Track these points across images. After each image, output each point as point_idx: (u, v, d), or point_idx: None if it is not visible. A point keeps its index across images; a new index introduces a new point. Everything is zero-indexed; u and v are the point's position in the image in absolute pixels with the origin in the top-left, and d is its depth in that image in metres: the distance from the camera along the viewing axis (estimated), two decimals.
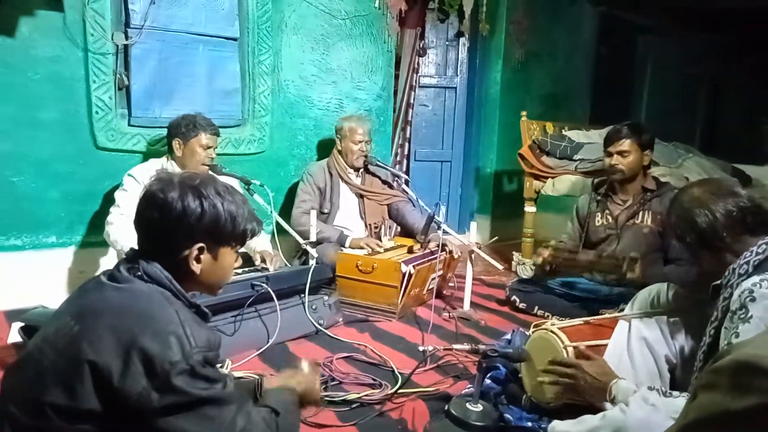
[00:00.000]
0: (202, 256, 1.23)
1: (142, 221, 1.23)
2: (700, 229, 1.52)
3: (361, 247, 3.14)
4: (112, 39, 2.93)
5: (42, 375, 1.09)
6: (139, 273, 1.18)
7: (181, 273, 1.22)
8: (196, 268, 1.23)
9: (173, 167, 2.79)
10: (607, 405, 1.61)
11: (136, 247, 1.25)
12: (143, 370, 1.04)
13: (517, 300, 3.03)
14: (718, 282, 1.52)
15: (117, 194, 2.72)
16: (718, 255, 1.52)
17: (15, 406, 1.09)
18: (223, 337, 2.18)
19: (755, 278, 1.38)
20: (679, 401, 1.38)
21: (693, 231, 1.54)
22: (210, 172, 2.78)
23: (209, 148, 2.79)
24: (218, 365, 1.19)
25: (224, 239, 1.26)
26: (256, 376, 1.61)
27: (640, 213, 2.80)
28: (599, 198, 2.96)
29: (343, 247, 3.20)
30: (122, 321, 1.09)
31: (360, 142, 3.41)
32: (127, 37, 2.97)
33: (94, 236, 2.94)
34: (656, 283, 1.98)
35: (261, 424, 1.18)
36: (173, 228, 1.19)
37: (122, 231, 2.57)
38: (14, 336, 2.19)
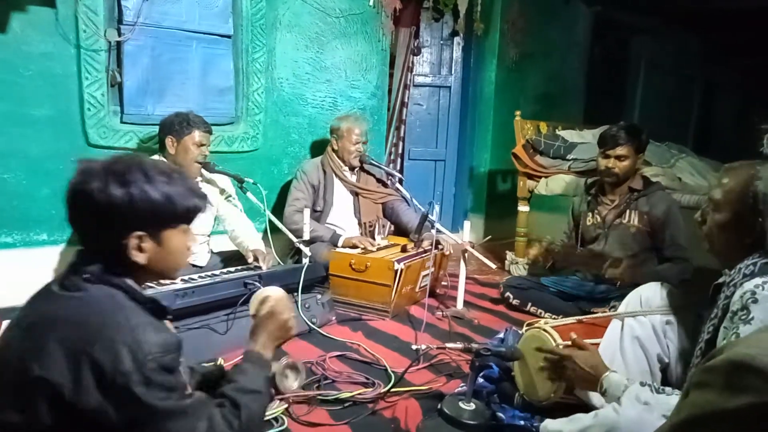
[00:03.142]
0: (144, 245, 1.15)
1: (70, 218, 1.15)
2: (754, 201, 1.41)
3: (355, 246, 3.14)
4: (105, 36, 2.91)
5: None
6: (86, 276, 1.11)
7: (127, 266, 1.15)
8: (140, 258, 1.15)
9: None
10: (596, 398, 1.61)
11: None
12: (95, 383, 1.00)
13: (511, 296, 3.04)
14: (720, 281, 1.51)
15: None
16: (741, 239, 1.46)
17: None
18: (215, 336, 2.21)
19: (758, 280, 1.36)
20: (672, 399, 1.38)
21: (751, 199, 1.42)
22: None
23: (202, 145, 2.78)
24: (180, 366, 1.13)
25: (164, 223, 1.17)
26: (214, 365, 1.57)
27: (627, 212, 2.82)
28: (590, 198, 2.99)
29: (336, 246, 3.20)
30: (70, 333, 1.04)
31: (357, 142, 3.40)
32: (119, 34, 2.95)
33: None
34: (648, 281, 1.98)
35: (222, 425, 1.13)
36: (103, 221, 1.12)
37: None
38: None
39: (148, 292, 2.10)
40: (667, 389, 1.44)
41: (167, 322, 1.25)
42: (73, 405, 1.00)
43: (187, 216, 1.21)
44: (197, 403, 1.12)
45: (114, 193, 1.10)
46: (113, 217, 1.11)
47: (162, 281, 2.21)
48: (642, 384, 1.48)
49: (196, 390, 1.45)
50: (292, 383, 1.54)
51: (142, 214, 1.13)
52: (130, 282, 1.15)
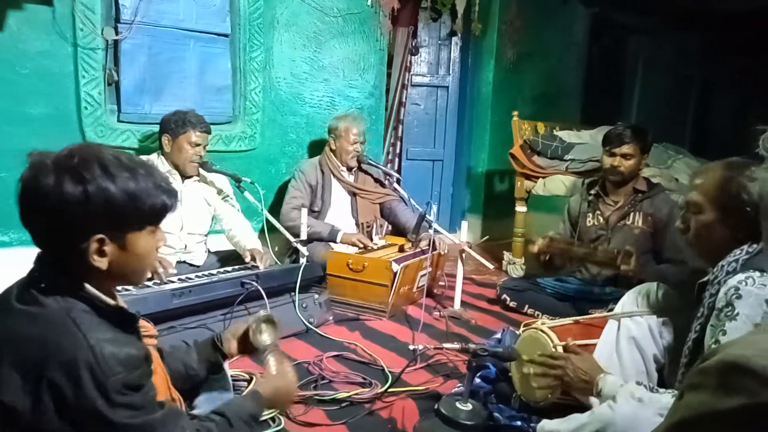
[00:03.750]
0: (105, 248, 1.03)
1: (22, 219, 1.04)
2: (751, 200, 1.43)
3: (354, 244, 3.15)
4: (102, 34, 2.90)
5: None
6: (42, 286, 1.02)
7: (87, 272, 1.04)
8: (100, 263, 1.03)
9: (163, 163, 2.77)
10: (593, 400, 1.61)
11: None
12: (54, 407, 0.95)
13: (508, 298, 3.04)
14: (704, 280, 1.53)
15: None
16: (734, 234, 1.48)
17: None
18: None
19: (741, 276, 1.39)
20: (665, 398, 1.39)
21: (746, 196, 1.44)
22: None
23: (198, 145, 2.76)
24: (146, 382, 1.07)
25: (127, 224, 1.05)
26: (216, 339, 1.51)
27: (631, 214, 2.82)
28: (590, 198, 2.98)
29: (334, 242, 3.20)
30: (26, 354, 0.97)
31: (355, 142, 3.40)
32: (117, 32, 2.95)
33: None
34: (651, 280, 1.99)
35: None
36: (57, 223, 1.00)
37: None
38: None
39: (144, 291, 2.11)
40: (661, 389, 1.45)
41: (144, 322, 1.20)
42: (33, 428, 0.96)
43: (154, 216, 1.08)
44: (168, 417, 1.07)
45: (69, 191, 0.98)
46: (68, 218, 0.99)
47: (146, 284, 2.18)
48: (638, 383, 1.48)
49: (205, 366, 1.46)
50: (266, 338, 1.48)
51: (102, 215, 1.00)
52: (91, 290, 1.04)
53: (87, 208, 0.99)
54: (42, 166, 1.00)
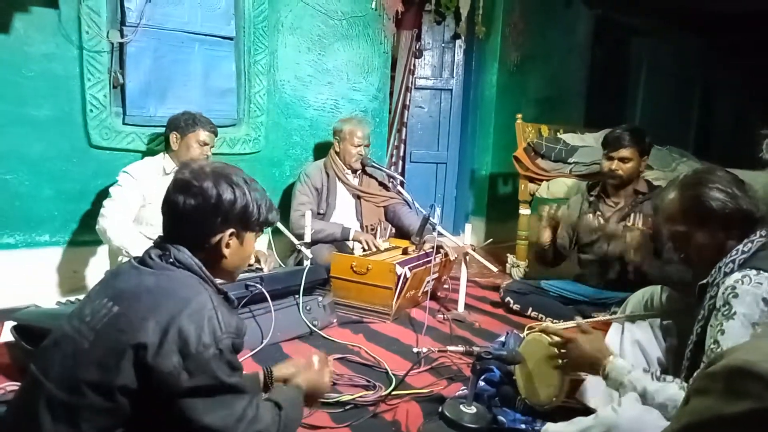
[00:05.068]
0: (230, 241, 1.30)
1: (175, 208, 1.27)
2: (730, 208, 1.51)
3: (360, 242, 3.17)
4: (108, 37, 2.92)
5: (80, 353, 1.14)
6: (171, 260, 1.24)
7: (210, 258, 1.30)
8: (226, 252, 1.30)
9: (169, 162, 2.79)
10: (597, 403, 1.61)
11: (161, 234, 1.31)
12: (177, 349, 1.10)
13: (511, 301, 3.03)
14: (705, 282, 1.53)
15: (112, 189, 2.72)
16: (730, 232, 1.50)
17: (51, 382, 1.14)
18: None
19: (737, 275, 1.41)
20: (670, 387, 1.39)
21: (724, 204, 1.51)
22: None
23: (206, 145, 2.80)
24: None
25: (251, 225, 1.33)
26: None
27: (632, 215, 2.82)
28: (591, 200, 2.98)
29: (347, 240, 3.23)
30: (160, 302, 1.15)
31: (359, 145, 3.41)
32: (122, 35, 2.96)
33: (88, 235, 2.92)
34: (655, 274, 1.98)
35: (267, 416, 1.22)
36: (209, 214, 1.26)
37: (118, 227, 2.60)
38: (6, 335, 2.17)
39: None
40: (668, 377, 1.44)
41: None
42: (152, 366, 1.09)
43: (264, 225, 1.38)
44: (251, 388, 1.22)
45: (224, 193, 1.27)
46: (219, 212, 1.26)
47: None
48: (645, 371, 1.48)
49: None
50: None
51: (240, 214, 1.29)
52: (208, 273, 1.28)
53: (233, 207, 1.28)
54: (201, 172, 1.28)
